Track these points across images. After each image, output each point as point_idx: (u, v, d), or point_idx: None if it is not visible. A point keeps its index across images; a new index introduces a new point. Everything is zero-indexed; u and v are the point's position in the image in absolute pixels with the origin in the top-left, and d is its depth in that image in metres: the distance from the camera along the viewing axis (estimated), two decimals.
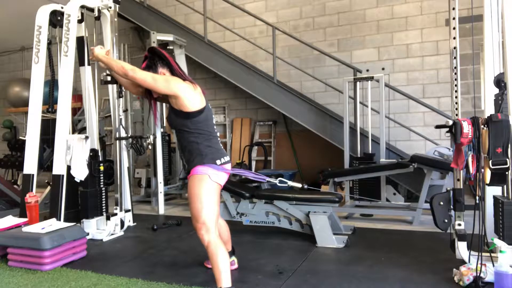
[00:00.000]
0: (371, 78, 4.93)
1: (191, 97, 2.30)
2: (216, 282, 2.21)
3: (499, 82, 2.61)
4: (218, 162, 2.33)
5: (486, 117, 2.37)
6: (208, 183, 2.29)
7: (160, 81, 2.29)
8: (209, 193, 2.29)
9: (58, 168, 3.65)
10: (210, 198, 2.28)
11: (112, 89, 4.04)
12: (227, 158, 2.40)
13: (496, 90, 2.70)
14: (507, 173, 2.33)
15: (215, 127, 2.45)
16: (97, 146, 3.98)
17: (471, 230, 2.42)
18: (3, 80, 9.43)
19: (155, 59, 2.44)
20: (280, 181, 2.53)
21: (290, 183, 2.53)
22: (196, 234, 2.31)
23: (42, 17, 3.91)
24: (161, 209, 5.04)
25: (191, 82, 2.38)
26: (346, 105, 5.04)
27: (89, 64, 4.14)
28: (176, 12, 7.39)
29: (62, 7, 3.96)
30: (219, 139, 2.48)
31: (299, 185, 2.59)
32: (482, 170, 2.36)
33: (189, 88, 2.31)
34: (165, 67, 2.42)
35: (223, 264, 2.21)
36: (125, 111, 4.26)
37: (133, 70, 2.34)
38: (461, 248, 2.59)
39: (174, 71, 2.41)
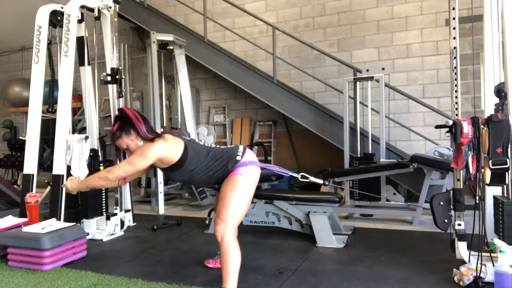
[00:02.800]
0: (371, 78, 4.93)
1: (169, 151, 2.29)
2: (222, 281, 2.18)
3: (500, 92, 2.60)
4: (238, 158, 2.34)
5: (486, 117, 2.37)
6: (241, 182, 2.29)
7: (137, 161, 2.27)
8: (240, 192, 2.27)
9: (58, 168, 3.65)
10: (239, 197, 2.27)
11: (112, 89, 4.03)
12: (241, 148, 2.41)
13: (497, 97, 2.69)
14: (507, 173, 2.33)
15: (205, 144, 2.44)
16: (97, 146, 3.98)
17: (471, 230, 2.42)
18: (3, 80, 9.43)
19: (126, 119, 2.38)
20: (302, 176, 2.52)
21: (312, 178, 2.52)
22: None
23: (42, 17, 3.91)
24: (161, 209, 5.04)
25: (159, 137, 2.34)
26: (346, 105, 5.04)
27: (89, 64, 4.14)
28: (176, 12, 7.39)
29: (62, 7, 3.96)
30: (214, 145, 2.47)
31: (321, 181, 2.57)
32: (482, 170, 2.36)
33: (162, 145, 2.28)
34: (130, 134, 2.37)
35: (233, 265, 2.18)
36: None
37: (111, 173, 2.34)
38: (461, 248, 2.59)
39: (141, 135, 2.36)
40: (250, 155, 2.41)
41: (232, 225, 2.25)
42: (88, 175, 3.74)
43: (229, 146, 2.49)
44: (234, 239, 2.24)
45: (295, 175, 2.53)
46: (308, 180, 2.51)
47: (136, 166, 2.29)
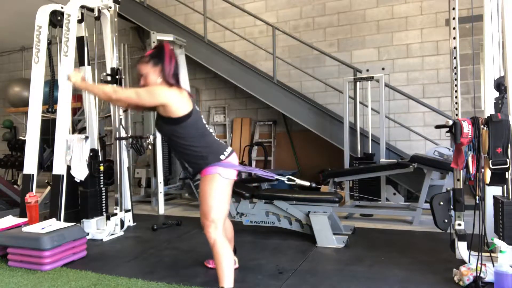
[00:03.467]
0: (371, 78, 4.93)
1: (177, 103, 2.27)
2: (219, 281, 2.20)
3: (499, 85, 2.61)
4: (222, 157, 2.32)
5: (486, 117, 2.37)
6: (219, 181, 2.29)
7: (144, 95, 2.26)
8: (220, 192, 2.29)
9: (58, 168, 3.65)
10: (221, 196, 2.29)
11: None
12: (229, 150, 2.39)
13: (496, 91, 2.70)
14: (507, 173, 2.33)
15: (207, 126, 2.42)
16: (97, 146, 3.98)
17: (471, 230, 2.42)
18: (3, 80, 9.43)
19: (159, 55, 2.36)
20: (288, 179, 2.52)
21: (298, 181, 2.51)
22: (203, 231, 2.30)
23: (42, 17, 3.91)
24: (161, 209, 5.04)
25: (178, 87, 2.34)
26: (346, 105, 5.04)
27: (89, 64, 4.14)
28: (176, 12, 7.39)
29: (62, 7, 3.96)
30: (214, 134, 2.47)
31: (307, 183, 2.56)
32: (482, 170, 2.36)
33: (175, 94, 2.28)
34: (166, 66, 2.34)
35: (227, 264, 2.20)
36: (125, 111, 4.25)
37: (115, 92, 2.34)
38: (461, 248, 2.59)
39: (165, 74, 2.33)
40: (234, 159, 2.40)
41: (221, 225, 2.27)
42: (88, 174, 3.75)
43: (221, 142, 2.46)
44: (224, 238, 2.27)
45: (280, 178, 2.52)
46: (294, 183, 2.51)
47: (141, 99, 2.27)
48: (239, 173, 2.46)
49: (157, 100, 2.25)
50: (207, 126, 2.43)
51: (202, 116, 2.45)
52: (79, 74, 2.62)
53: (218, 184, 2.28)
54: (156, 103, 2.26)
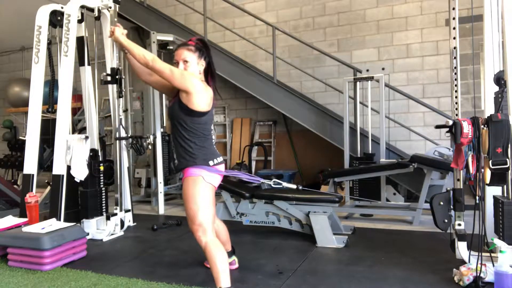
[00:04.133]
0: (371, 78, 4.93)
1: (201, 96, 2.30)
2: (215, 282, 2.20)
3: (499, 80, 2.61)
4: (211, 163, 2.32)
5: (486, 117, 2.37)
6: (202, 185, 2.28)
7: (177, 74, 2.29)
8: (203, 194, 2.28)
9: (58, 168, 3.65)
10: (205, 199, 2.28)
11: (112, 89, 4.04)
12: (220, 159, 2.40)
13: (496, 89, 2.70)
14: (507, 173, 2.33)
15: (212, 131, 2.45)
16: (97, 146, 3.98)
17: (471, 230, 2.42)
18: (3, 80, 9.43)
19: (205, 50, 2.44)
20: (275, 183, 2.52)
21: (285, 184, 2.52)
22: (193, 235, 2.30)
23: (42, 17, 3.91)
24: (161, 209, 5.04)
25: (207, 85, 2.41)
26: (346, 105, 5.04)
27: (89, 64, 4.14)
28: (176, 12, 7.39)
29: (62, 7, 3.96)
30: (213, 140, 2.48)
31: (294, 186, 2.57)
32: (482, 170, 2.36)
33: (203, 88, 2.32)
34: (206, 61, 2.44)
35: (222, 264, 2.20)
36: (125, 111, 4.25)
37: (153, 60, 2.34)
38: (461, 248, 2.59)
39: (211, 69, 2.47)
40: (221, 168, 2.40)
41: (209, 227, 2.26)
42: (88, 174, 3.75)
43: (217, 151, 2.46)
44: (216, 239, 2.27)
45: (266, 181, 2.53)
46: (281, 186, 2.52)
47: (172, 77, 2.27)
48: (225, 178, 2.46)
49: (185, 83, 2.26)
50: (212, 132, 2.44)
51: (212, 122, 2.47)
52: (121, 29, 2.63)
53: (201, 187, 2.28)
54: (184, 86, 2.27)
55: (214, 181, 2.35)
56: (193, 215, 2.26)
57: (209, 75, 2.49)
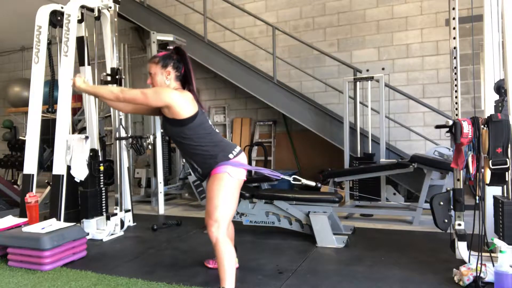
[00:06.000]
0: (371, 78, 4.93)
1: (182, 104, 2.28)
2: (220, 281, 2.20)
3: (499, 88, 2.61)
4: (231, 156, 2.33)
5: (486, 117, 2.37)
6: (228, 181, 2.28)
7: (150, 94, 2.28)
8: (227, 192, 2.28)
9: (58, 168, 3.65)
10: (228, 196, 2.28)
11: None
12: (238, 149, 2.40)
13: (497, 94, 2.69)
14: (507, 173, 2.33)
15: (213, 126, 2.44)
16: (97, 146, 3.98)
17: (471, 230, 2.42)
18: (3, 80, 9.43)
19: (175, 57, 2.43)
20: (294, 179, 2.51)
21: (304, 181, 2.50)
22: (206, 230, 2.30)
23: (42, 17, 3.91)
24: (161, 209, 5.04)
25: (181, 90, 2.38)
26: (346, 105, 5.04)
27: (89, 64, 4.14)
28: (176, 12, 7.39)
29: (62, 7, 3.96)
30: (220, 134, 2.48)
31: (313, 184, 2.56)
32: (482, 170, 2.36)
33: (180, 96, 2.30)
34: (175, 69, 2.41)
35: (229, 264, 2.19)
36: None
37: (122, 92, 2.37)
38: (461, 248, 2.59)
39: (184, 78, 2.42)
40: (243, 158, 2.41)
41: (225, 225, 2.26)
42: (88, 174, 3.75)
43: (229, 141, 2.48)
44: (227, 238, 2.27)
45: (287, 178, 2.52)
46: (300, 183, 2.51)
47: (146, 99, 2.29)
48: (249, 172, 2.46)
49: (161, 99, 2.26)
50: (214, 127, 2.44)
51: (208, 119, 2.46)
52: (82, 78, 2.63)
53: (226, 183, 2.28)
54: (161, 103, 2.27)
55: (240, 175, 2.35)
56: (212, 210, 2.26)
57: (185, 81, 2.45)
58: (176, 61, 2.42)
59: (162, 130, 2.58)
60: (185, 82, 2.44)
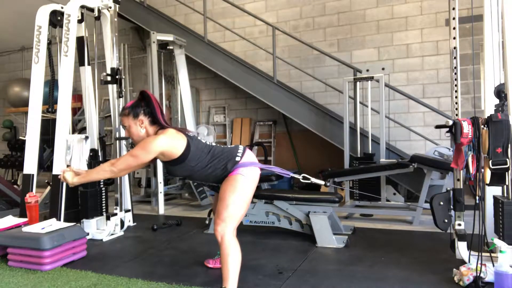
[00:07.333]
0: (371, 78, 4.93)
1: (172, 144, 2.28)
2: (223, 281, 2.18)
3: (500, 93, 2.60)
4: (237, 158, 2.34)
5: (486, 117, 2.37)
6: (241, 182, 2.29)
7: (140, 153, 2.27)
8: (240, 193, 2.28)
9: (58, 168, 3.65)
10: (240, 197, 2.27)
11: (112, 89, 4.04)
12: (241, 149, 2.41)
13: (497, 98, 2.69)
14: (507, 173, 2.33)
15: (207, 142, 2.45)
16: (97, 146, 3.98)
17: (471, 230, 2.42)
18: (3, 80, 9.43)
19: (143, 103, 2.41)
20: (304, 177, 2.51)
21: (313, 179, 2.51)
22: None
23: (42, 17, 3.91)
24: (161, 209, 5.04)
25: (164, 127, 2.37)
26: (346, 105, 5.04)
27: (89, 64, 4.14)
28: (176, 12, 7.39)
29: (62, 7, 3.96)
30: (215, 144, 2.48)
31: (322, 182, 2.55)
32: (482, 170, 2.36)
33: (166, 138, 2.28)
34: (147, 115, 2.39)
35: (233, 265, 2.18)
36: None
37: (114, 165, 2.36)
38: (461, 248, 2.59)
39: (156, 120, 2.39)
40: (250, 156, 2.42)
41: (232, 225, 2.25)
42: None
43: (229, 146, 2.49)
44: (235, 239, 2.25)
45: (296, 176, 2.52)
46: (309, 181, 2.50)
47: (139, 160, 2.30)
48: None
49: (152, 152, 2.27)
50: (207, 142, 2.44)
51: (199, 137, 2.46)
52: (70, 172, 2.57)
53: (240, 185, 2.28)
54: (153, 155, 2.29)
55: (254, 174, 2.35)
56: (221, 210, 2.25)
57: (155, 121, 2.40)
58: (146, 107, 2.39)
59: (169, 174, 2.58)
60: (159, 123, 2.40)
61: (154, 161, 2.47)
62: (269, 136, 6.94)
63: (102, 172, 2.44)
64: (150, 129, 2.40)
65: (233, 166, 2.32)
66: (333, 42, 6.47)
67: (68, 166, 2.60)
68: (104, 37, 4.09)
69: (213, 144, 2.47)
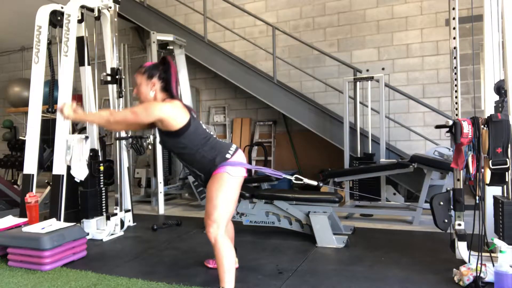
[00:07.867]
0: (371, 78, 4.93)
1: (174, 115, 2.28)
2: (220, 281, 2.20)
3: (499, 89, 2.60)
4: (228, 155, 2.33)
5: (486, 117, 2.37)
6: (227, 180, 2.29)
7: (140, 112, 2.29)
8: (227, 191, 2.29)
9: (58, 168, 3.65)
10: (227, 196, 2.28)
11: (112, 89, 4.04)
12: (233, 147, 2.41)
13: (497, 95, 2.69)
14: (507, 173, 2.33)
15: (207, 130, 2.44)
16: (97, 146, 3.98)
17: (471, 230, 2.42)
18: (3, 80, 9.43)
19: (161, 68, 2.41)
20: (296, 178, 2.51)
21: (306, 180, 2.51)
22: (205, 230, 2.30)
23: (42, 17, 3.91)
24: (161, 209, 5.04)
25: (170, 100, 2.36)
26: (346, 105, 5.04)
27: (89, 64, 4.14)
28: (176, 12, 7.39)
29: (62, 7, 3.96)
30: (215, 136, 2.48)
31: (315, 183, 2.55)
32: (482, 170, 2.36)
33: (170, 107, 2.29)
34: (161, 80, 2.38)
35: (228, 264, 2.20)
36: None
37: (111, 114, 2.39)
38: (461, 248, 2.59)
39: (169, 88, 2.39)
40: (240, 156, 2.41)
41: (223, 225, 2.27)
42: (88, 174, 3.75)
43: (224, 141, 2.49)
44: (227, 239, 2.27)
45: (288, 177, 2.52)
46: (302, 182, 2.50)
47: (137, 117, 2.29)
48: (249, 171, 2.46)
49: (152, 115, 2.26)
50: (207, 130, 2.44)
51: (201, 122, 2.46)
52: (69, 105, 2.51)
53: (226, 183, 2.29)
54: (152, 118, 2.28)
55: (240, 172, 2.35)
56: (211, 210, 2.26)
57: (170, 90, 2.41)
58: (162, 72, 2.39)
59: (160, 145, 2.56)
60: (171, 92, 2.41)
61: (151, 126, 2.46)
62: (269, 136, 6.94)
63: (99, 117, 2.48)
64: (159, 94, 2.38)
65: (221, 162, 2.31)
66: (333, 42, 6.47)
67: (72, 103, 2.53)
68: (104, 37, 4.09)
69: (212, 133, 2.47)
